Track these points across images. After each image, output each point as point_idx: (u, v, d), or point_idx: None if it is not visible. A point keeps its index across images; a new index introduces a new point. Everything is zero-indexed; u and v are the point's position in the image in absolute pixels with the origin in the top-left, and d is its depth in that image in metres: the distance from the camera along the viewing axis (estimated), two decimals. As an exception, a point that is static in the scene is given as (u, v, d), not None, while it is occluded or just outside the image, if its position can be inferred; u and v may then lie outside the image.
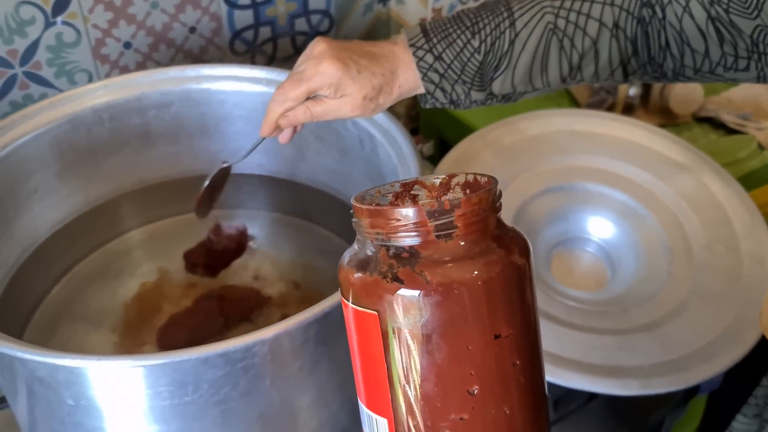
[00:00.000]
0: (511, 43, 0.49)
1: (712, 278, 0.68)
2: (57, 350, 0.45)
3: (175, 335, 0.66)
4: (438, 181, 0.33)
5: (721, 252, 0.71)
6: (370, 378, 0.31)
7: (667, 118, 0.93)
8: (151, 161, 0.74)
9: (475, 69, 0.50)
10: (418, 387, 0.29)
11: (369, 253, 0.30)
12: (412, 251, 0.29)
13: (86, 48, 0.78)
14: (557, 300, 0.67)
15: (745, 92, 0.96)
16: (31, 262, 0.70)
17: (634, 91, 0.93)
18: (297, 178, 0.75)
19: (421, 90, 0.51)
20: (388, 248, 0.30)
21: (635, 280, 0.70)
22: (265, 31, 0.87)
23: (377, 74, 0.49)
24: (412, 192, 0.34)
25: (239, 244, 0.74)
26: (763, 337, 0.63)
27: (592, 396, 0.66)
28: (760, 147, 0.88)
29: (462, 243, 0.29)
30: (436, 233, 0.29)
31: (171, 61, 0.83)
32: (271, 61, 0.90)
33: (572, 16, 0.48)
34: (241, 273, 0.73)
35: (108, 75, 0.81)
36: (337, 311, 0.47)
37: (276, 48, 0.89)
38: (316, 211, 0.76)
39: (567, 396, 0.65)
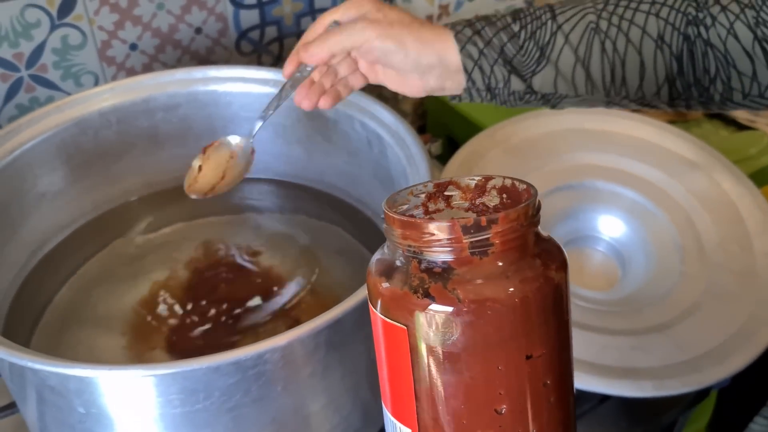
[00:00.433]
0: (553, 34, 0.48)
1: (725, 277, 0.68)
2: (67, 359, 0.44)
3: (186, 340, 0.65)
4: (473, 183, 0.32)
5: (734, 251, 0.70)
6: (396, 387, 0.30)
7: (678, 114, 0.93)
8: (159, 163, 0.74)
9: (516, 50, 0.48)
10: (444, 403, 0.29)
11: (399, 263, 0.29)
12: (445, 266, 0.28)
13: (92, 50, 0.78)
14: (569, 300, 0.66)
15: (756, 87, 0.95)
16: (40, 266, 0.70)
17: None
18: (305, 181, 0.75)
19: (458, 84, 0.50)
20: (419, 261, 0.28)
21: (647, 280, 0.70)
22: (271, 31, 0.87)
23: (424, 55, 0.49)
24: (445, 193, 0.32)
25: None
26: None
27: (605, 397, 0.65)
28: (772, 143, 0.87)
29: (498, 260, 0.27)
30: (471, 250, 0.27)
31: (177, 62, 0.83)
32: (277, 61, 0.90)
33: (615, 20, 0.47)
34: (251, 276, 0.73)
35: (114, 77, 0.81)
36: (349, 317, 0.47)
37: (282, 48, 0.89)
38: (325, 213, 0.76)
39: (580, 397, 0.64)
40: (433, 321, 0.28)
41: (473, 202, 0.32)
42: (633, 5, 0.48)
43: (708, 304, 0.65)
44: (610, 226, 0.75)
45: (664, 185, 0.75)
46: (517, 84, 0.50)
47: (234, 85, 0.70)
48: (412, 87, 0.52)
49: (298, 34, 0.89)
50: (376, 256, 0.31)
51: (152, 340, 0.68)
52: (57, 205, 0.69)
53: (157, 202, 0.75)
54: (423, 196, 0.32)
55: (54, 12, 0.73)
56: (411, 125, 0.62)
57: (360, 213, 0.73)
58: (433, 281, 0.28)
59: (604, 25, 0.48)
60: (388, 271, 0.29)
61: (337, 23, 0.53)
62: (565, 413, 0.30)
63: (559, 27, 0.48)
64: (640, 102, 0.50)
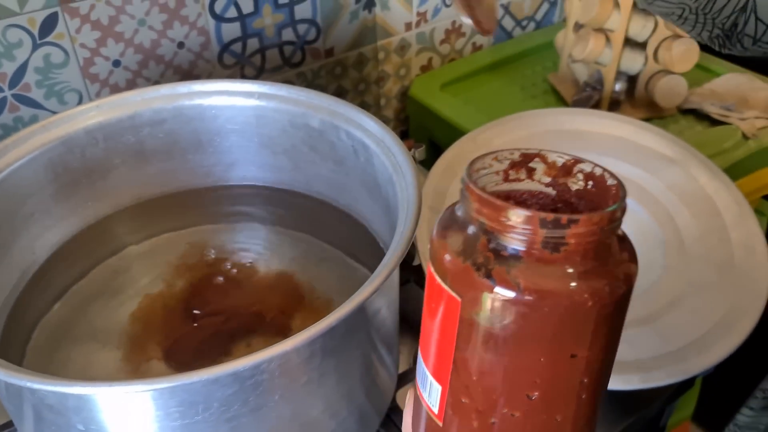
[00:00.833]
0: None
1: (706, 269, 0.70)
2: (65, 378, 0.45)
3: (182, 350, 0.66)
4: (561, 161, 0.30)
5: (714, 243, 0.72)
6: (436, 346, 0.30)
7: (653, 112, 0.95)
8: (146, 178, 0.74)
9: None
10: (479, 376, 0.29)
11: (469, 232, 0.28)
12: (514, 252, 0.27)
13: (75, 68, 0.78)
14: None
15: (728, 83, 0.97)
16: (31, 285, 0.70)
17: (619, 86, 0.95)
18: (292, 189, 0.76)
19: None
20: (489, 239, 0.27)
21: (630, 275, 0.71)
22: (253, 43, 0.87)
23: None
24: (530, 165, 0.31)
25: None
26: (757, 325, 0.64)
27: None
28: (744, 137, 0.89)
29: (568, 259, 0.26)
30: (544, 243, 0.26)
31: (161, 77, 0.83)
32: (260, 72, 0.91)
33: None
34: (243, 283, 0.74)
35: (98, 94, 0.81)
36: (343, 324, 0.48)
37: (264, 59, 0.90)
38: (314, 220, 0.77)
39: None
40: (489, 303, 0.27)
41: (556, 179, 0.31)
42: None
43: (690, 296, 0.67)
44: (593, 224, 0.76)
45: (643, 182, 0.77)
46: None
47: (219, 99, 0.70)
48: None
49: (280, 45, 0.90)
50: (446, 214, 0.30)
51: (148, 352, 0.68)
52: (46, 223, 0.70)
53: (145, 214, 0.76)
54: (507, 162, 0.31)
55: (35, 31, 0.74)
56: (393, 130, 0.63)
57: (348, 219, 0.74)
58: (498, 264, 0.27)
59: None
60: (455, 237, 0.28)
61: None
62: (592, 409, 0.30)
63: None
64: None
